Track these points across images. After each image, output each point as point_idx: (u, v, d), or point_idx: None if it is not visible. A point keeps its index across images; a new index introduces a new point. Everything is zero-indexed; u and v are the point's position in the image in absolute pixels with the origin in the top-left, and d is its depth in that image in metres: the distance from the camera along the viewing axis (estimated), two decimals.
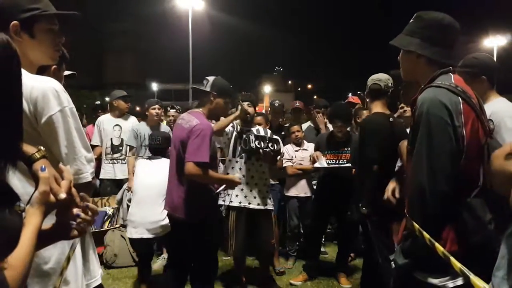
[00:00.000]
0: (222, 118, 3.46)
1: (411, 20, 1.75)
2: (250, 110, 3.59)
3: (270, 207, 3.63)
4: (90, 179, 1.48)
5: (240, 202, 3.52)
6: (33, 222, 0.90)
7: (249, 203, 3.52)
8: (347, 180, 3.81)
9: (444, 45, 1.67)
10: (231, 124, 3.57)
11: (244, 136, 3.53)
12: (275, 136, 3.71)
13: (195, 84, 22.76)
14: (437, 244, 1.33)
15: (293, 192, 4.41)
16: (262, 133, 3.60)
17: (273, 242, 3.61)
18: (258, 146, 3.41)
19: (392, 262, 1.70)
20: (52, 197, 0.94)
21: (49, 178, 0.94)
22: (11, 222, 0.85)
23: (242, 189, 3.51)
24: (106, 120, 5.07)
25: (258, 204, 3.54)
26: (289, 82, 70.66)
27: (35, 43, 1.42)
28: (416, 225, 1.46)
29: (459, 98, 1.51)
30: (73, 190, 1.01)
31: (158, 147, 3.58)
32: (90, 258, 1.68)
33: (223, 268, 4.20)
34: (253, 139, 3.44)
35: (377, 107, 3.08)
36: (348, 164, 3.79)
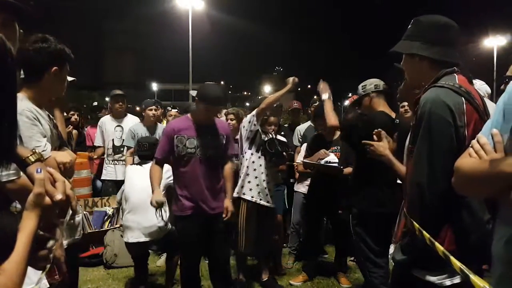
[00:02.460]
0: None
1: (409, 26, 1.76)
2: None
3: (273, 205, 3.74)
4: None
5: (252, 197, 3.55)
6: (28, 226, 0.85)
7: (260, 199, 3.57)
8: (337, 179, 3.83)
9: (445, 44, 1.68)
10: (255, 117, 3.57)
11: (269, 138, 3.65)
12: (283, 140, 3.90)
13: (195, 84, 22.77)
14: (437, 244, 1.33)
15: (301, 188, 4.42)
16: (272, 136, 3.78)
17: (277, 239, 3.76)
18: (281, 150, 3.59)
19: (391, 259, 1.70)
20: (47, 199, 0.89)
21: (44, 180, 0.89)
22: (5, 225, 0.82)
23: (257, 185, 3.57)
24: (107, 121, 5.07)
25: (268, 202, 3.62)
26: None
27: None
28: (416, 225, 1.47)
29: (462, 98, 1.52)
30: (69, 192, 0.96)
31: (146, 154, 3.58)
32: None
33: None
34: (277, 143, 3.61)
35: (381, 106, 3.10)
36: (335, 164, 3.77)
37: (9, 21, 1.49)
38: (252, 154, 3.62)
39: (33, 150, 1.08)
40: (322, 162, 3.75)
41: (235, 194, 3.53)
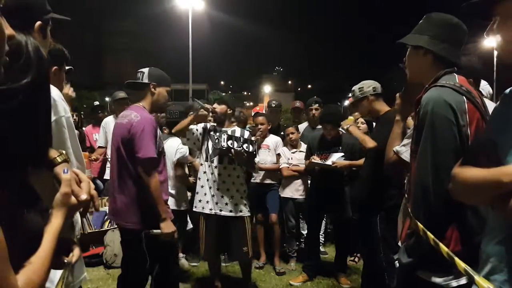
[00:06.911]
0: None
1: (421, 21, 1.77)
2: (220, 108, 3.40)
3: (245, 213, 3.42)
4: None
5: (211, 209, 3.36)
6: (54, 224, 0.90)
7: (220, 210, 3.35)
8: (339, 179, 3.85)
9: (452, 44, 1.69)
10: (201, 125, 3.43)
11: (216, 135, 3.38)
12: (253, 138, 3.63)
13: (195, 84, 22.75)
14: (441, 245, 1.32)
15: (288, 193, 4.39)
16: (237, 134, 3.42)
17: (245, 250, 3.37)
18: (230, 146, 3.23)
19: (396, 261, 1.69)
20: (73, 199, 0.94)
21: (70, 180, 0.95)
22: (34, 222, 0.85)
23: (213, 195, 3.36)
24: (111, 121, 5.07)
25: (230, 211, 3.36)
26: (289, 82, 70.76)
27: (44, 44, 1.43)
28: (420, 225, 1.45)
29: (464, 97, 1.52)
30: (93, 192, 1.01)
31: (176, 121, 3.67)
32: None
33: (196, 274, 4.20)
34: (225, 139, 3.29)
35: (384, 106, 3.10)
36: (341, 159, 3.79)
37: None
38: (201, 164, 3.48)
39: (60, 151, 1.10)
40: (329, 162, 3.74)
41: (194, 209, 3.43)
